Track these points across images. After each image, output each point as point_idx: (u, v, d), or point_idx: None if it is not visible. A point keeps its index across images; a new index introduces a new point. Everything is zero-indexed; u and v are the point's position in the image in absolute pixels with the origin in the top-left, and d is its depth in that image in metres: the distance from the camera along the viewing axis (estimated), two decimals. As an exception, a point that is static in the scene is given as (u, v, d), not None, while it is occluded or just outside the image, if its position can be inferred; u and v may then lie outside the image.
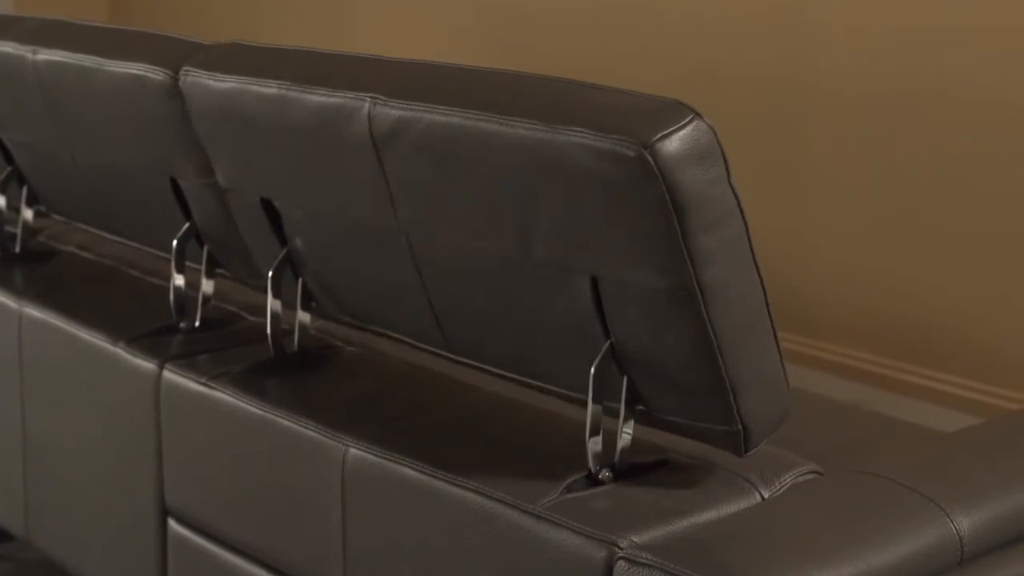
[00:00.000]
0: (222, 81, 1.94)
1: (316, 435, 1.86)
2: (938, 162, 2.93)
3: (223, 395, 2.00)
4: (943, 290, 2.95)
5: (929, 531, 1.54)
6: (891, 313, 3.05)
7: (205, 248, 2.24)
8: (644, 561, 1.47)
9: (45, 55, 2.29)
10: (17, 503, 2.47)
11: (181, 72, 2.02)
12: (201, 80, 1.98)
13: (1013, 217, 2.83)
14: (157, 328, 2.23)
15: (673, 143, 1.47)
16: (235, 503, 2.02)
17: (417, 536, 1.74)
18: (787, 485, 1.66)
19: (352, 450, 1.81)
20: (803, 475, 1.68)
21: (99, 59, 2.18)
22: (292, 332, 2.08)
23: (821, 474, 1.70)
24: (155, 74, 2.07)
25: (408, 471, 1.74)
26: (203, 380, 2.04)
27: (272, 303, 2.03)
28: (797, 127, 3.14)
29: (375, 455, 1.78)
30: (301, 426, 1.88)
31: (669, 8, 3.35)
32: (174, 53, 2.10)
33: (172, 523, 2.13)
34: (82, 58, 2.22)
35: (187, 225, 2.22)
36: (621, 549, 1.50)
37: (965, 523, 1.57)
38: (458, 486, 1.68)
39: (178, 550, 2.13)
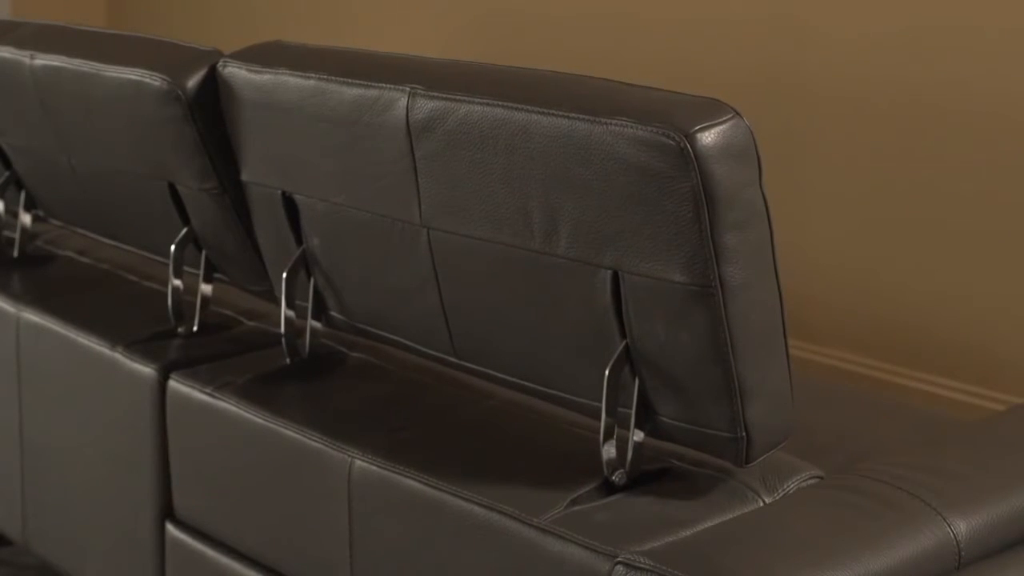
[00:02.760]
0: (260, 73, 1.95)
1: (322, 447, 1.86)
2: (932, 167, 2.93)
3: (228, 406, 2.00)
4: (937, 294, 2.95)
5: (926, 536, 1.54)
6: (885, 317, 3.06)
7: (203, 253, 2.24)
8: (642, 565, 1.47)
9: (43, 60, 2.29)
10: (15, 508, 2.47)
11: (220, 63, 2.03)
12: (239, 71, 1.99)
13: (1007, 222, 2.83)
14: (155, 333, 2.23)
15: (711, 136, 1.50)
16: (243, 512, 2.02)
17: (424, 548, 1.74)
18: (790, 492, 1.66)
19: (358, 462, 1.81)
20: (806, 481, 1.68)
21: (97, 64, 2.18)
22: (298, 337, 2.08)
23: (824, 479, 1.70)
24: (153, 79, 2.07)
25: (413, 483, 1.74)
26: (208, 391, 2.04)
27: (286, 305, 2.03)
28: (790, 133, 3.14)
29: (380, 467, 1.78)
30: (307, 437, 1.88)
31: (664, 13, 3.35)
32: (172, 58, 2.10)
33: (170, 528, 2.13)
34: (80, 63, 2.22)
35: (185, 230, 2.22)
36: (622, 558, 1.51)
37: (962, 527, 1.57)
38: (463, 499, 1.68)
39: (176, 555, 2.13)
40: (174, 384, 2.09)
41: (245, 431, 1.98)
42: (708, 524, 1.58)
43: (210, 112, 2.06)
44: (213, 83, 2.05)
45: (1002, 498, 1.64)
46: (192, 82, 2.05)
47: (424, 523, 1.73)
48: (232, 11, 4.54)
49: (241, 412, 1.98)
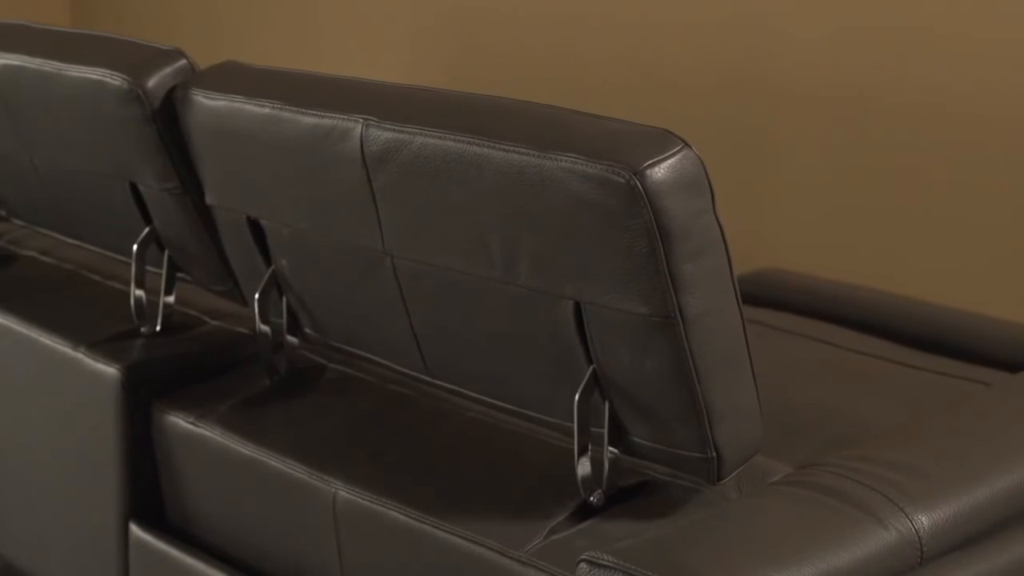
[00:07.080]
0: (215, 99, 1.94)
1: (306, 478, 1.86)
2: (898, 161, 2.95)
3: (212, 435, 2.00)
4: (901, 281, 2.96)
5: (889, 531, 1.54)
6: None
7: (166, 253, 2.23)
8: (605, 563, 1.47)
9: (3, 59, 2.28)
10: (-22, 510, 2.46)
11: (177, 88, 2.02)
12: (195, 97, 1.97)
13: (969, 210, 2.86)
14: (118, 333, 2.22)
15: (661, 171, 1.49)
16: (236, 530, 2.02)
17: None
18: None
19: (341, 493, 1.81)
20: None
21: (58, 63, 2.17)
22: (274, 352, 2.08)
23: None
24: (113, 79, 2.06)
25: (397, 515, 1.74)
26: (191, 420, 2.04)
27: (260, 322, 2.03)
28: (757, 129, 3.15)
29: (364, 499, 1.78)
30: (291, 468, 1.88)
31: (630, 13, 3.36)
32: (133, 58, 2.09)
33: (134, 528, 2.13)
34: (40, 63, 2.20)
35: (147, 230, 2.22)
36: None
37: (924, 522, 1.57)
38: (446, 531, 1.69)
39: (140, 555, 2.12)
40: (157, 413, 2.09)
41: (230, 460, 1.98)
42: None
43: (171, 112, 2.05)
44: (174, 83, 2.04)
45: (965, 492, 1.64)
46: (153, 82, 2.04)
47: (409, 554, 1.73)
48: (197, 10, 4.53)
49: (225, 442, 1.98)
